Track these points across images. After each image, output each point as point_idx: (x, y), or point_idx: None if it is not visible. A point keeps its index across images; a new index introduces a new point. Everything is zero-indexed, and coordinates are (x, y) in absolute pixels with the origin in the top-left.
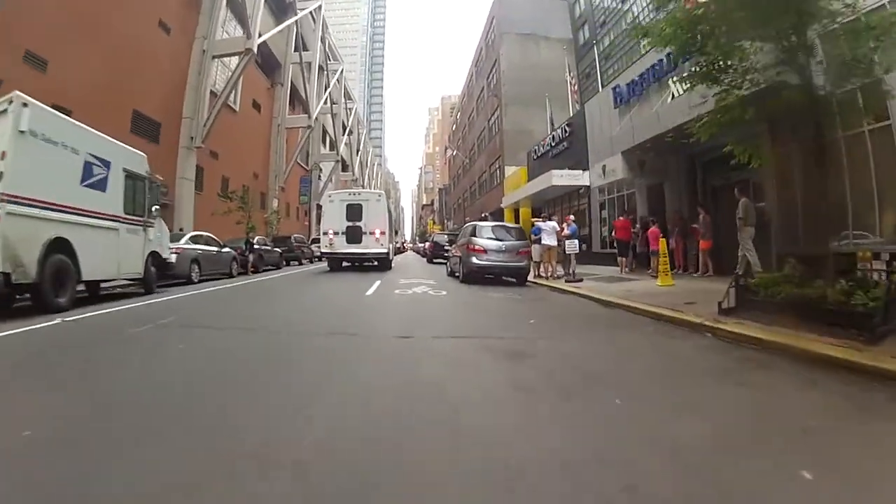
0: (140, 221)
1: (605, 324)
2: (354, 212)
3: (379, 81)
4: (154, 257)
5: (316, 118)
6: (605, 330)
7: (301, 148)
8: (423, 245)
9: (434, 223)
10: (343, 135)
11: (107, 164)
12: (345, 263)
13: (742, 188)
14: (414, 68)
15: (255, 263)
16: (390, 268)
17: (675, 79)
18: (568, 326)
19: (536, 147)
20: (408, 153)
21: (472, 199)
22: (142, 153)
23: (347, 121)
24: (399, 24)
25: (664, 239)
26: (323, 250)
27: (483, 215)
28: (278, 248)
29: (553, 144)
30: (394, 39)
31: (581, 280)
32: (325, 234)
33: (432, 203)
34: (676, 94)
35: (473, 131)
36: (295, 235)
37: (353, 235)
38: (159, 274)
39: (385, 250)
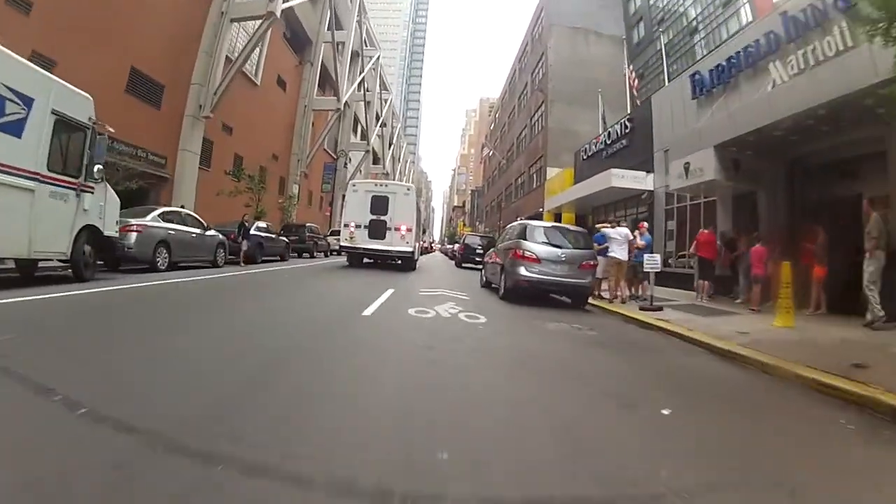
0: (72, 184)
1: (773, 409)
2: (380, 204)
3: (417, 78)
4: (92, 234)
5: (346, 103)
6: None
7: (328, 132)
8: (451, 247)
9: (464, 225)
10: (376, 125)
11: (27, 102)
12: (366, 260)
13: (874, 201)
14: (453, 70)
15: (251, 253)
16: (414, 268)
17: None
18: (732, 427)
19: (587, 146)
20: (442, 154)
21: (507, 201)
22: (87, 95)
23: (381, 112)
24: (441, 22)
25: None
26: (342, 244)
27: (518, 219)
28: (287, 236)
29: (608, 143)
30: (434, 38)
31: (660, 309)
32: (346, 226)
33: (464, 205)
34: (780, 81)
35: (513, 130)
36: (309, 224)
37: (377, 230)
38: (106, 256)
39: (410, 249)
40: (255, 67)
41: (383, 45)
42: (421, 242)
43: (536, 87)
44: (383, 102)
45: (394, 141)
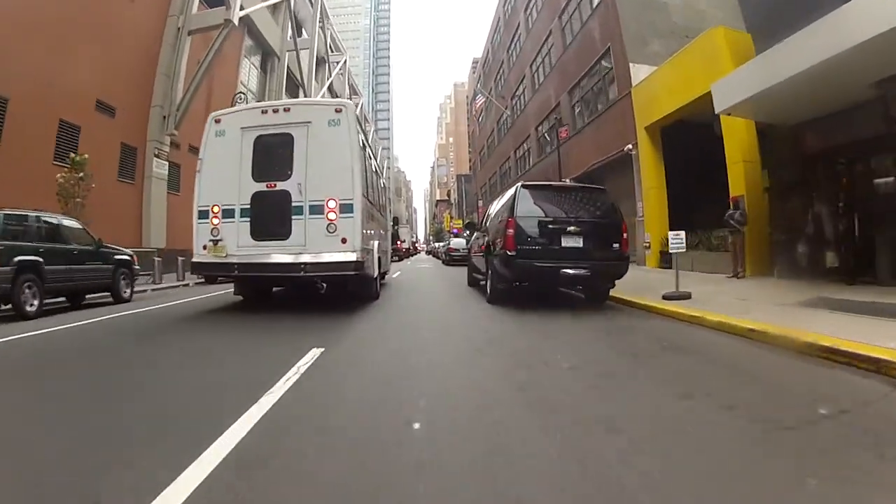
0: None
1: None
2: (274, 155)
3: (385, 77)
4: None
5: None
6: None
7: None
8: (438, 245)
9: (451, 217)
10: None
11: None
12: (276, 288)
13: None
14: (421, 64)
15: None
16: (375, 295)
17: None
18: None
19: None
20: (418, 153)
21: (523, 163)
22: None
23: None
24: (402, 17)
25: None
26: (196, 258)
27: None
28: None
29: None
30: (398, 33)
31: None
32: (204, 215)
33: (449, 196)
34: None
35: (522, 59)
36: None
37: (268, 218)
38: None
39: (353, 256)
40: None
41: (346, 45)
42: (383, 240)
43: None
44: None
45: (369, 143)
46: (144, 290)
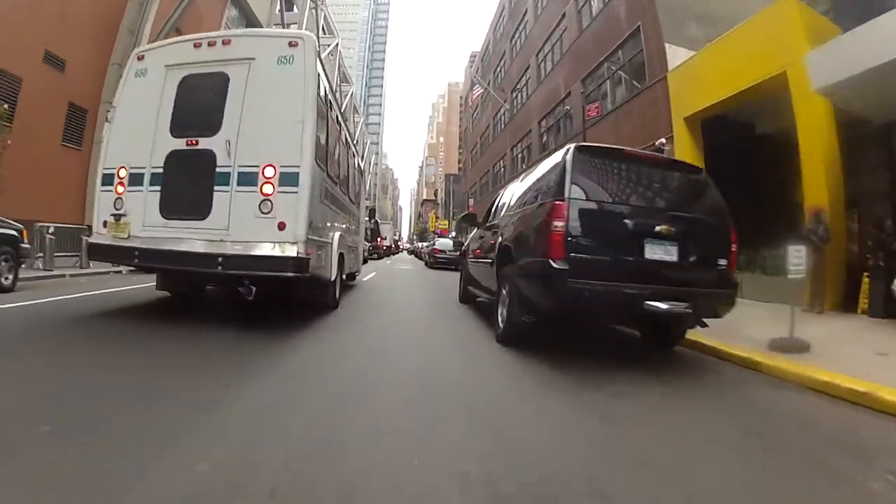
0: None
1: None
2: (200, 104)
3: (380, 70)
4: None
5: None
6: None
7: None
8: (422, 245)
9: (437, 217)
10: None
11: None
12: (208, 286)
13: None
14: (416, 64)
15: None
16: (334, 305)
17: None
18: None
19: None
20: (407, 152)
21: (520, 161)
22: None
23: (342, 104)
24: (402, 13)
25: None
26: (93, 238)
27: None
28: None
29: None
30: (396, 28)
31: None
32: (108, 180)
33: (436, 195)
34: None
35: (530, 43)
36: None
37: (184, 186)
38: None
39: (294, 246)
40: None
41: (343, 36)
42: (346, 233)
43: None
44: (343, 96)
45: (357, 136)
46: (62, 276)
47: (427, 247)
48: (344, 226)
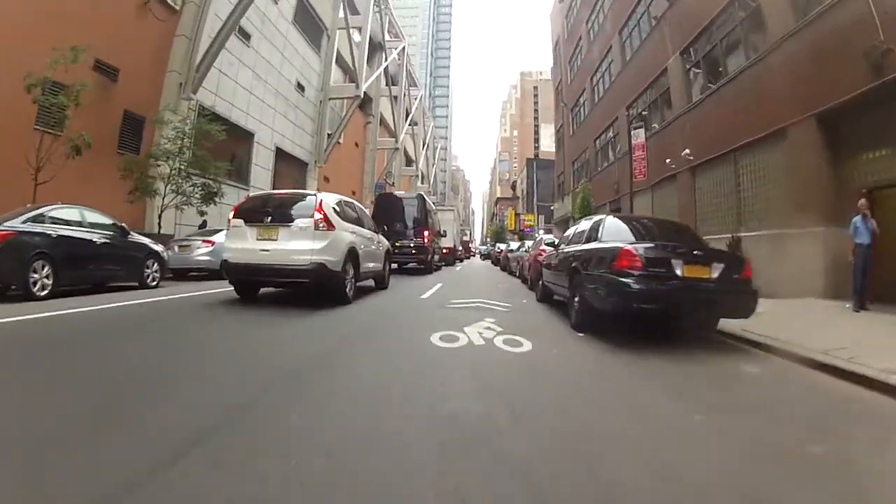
0: None
1: None
2: None
3: (445, 69)
4: None
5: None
6: None
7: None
8: (504, 248)
9: (517, 214)
10: (405, 123)
11: None
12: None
13: None
14: (483, 60)
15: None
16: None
17: None
18: None
19: None
20: (478, 156)
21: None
22: None
23: (411, 108)
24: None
25: None
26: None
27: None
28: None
29: None
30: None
31: None
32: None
33: (514, 188)
34: None
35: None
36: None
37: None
38: None
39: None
40: None
41: (401, 24)
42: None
43: None
44: (412, 99)
45: (428, 140)
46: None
47: (517, 250)
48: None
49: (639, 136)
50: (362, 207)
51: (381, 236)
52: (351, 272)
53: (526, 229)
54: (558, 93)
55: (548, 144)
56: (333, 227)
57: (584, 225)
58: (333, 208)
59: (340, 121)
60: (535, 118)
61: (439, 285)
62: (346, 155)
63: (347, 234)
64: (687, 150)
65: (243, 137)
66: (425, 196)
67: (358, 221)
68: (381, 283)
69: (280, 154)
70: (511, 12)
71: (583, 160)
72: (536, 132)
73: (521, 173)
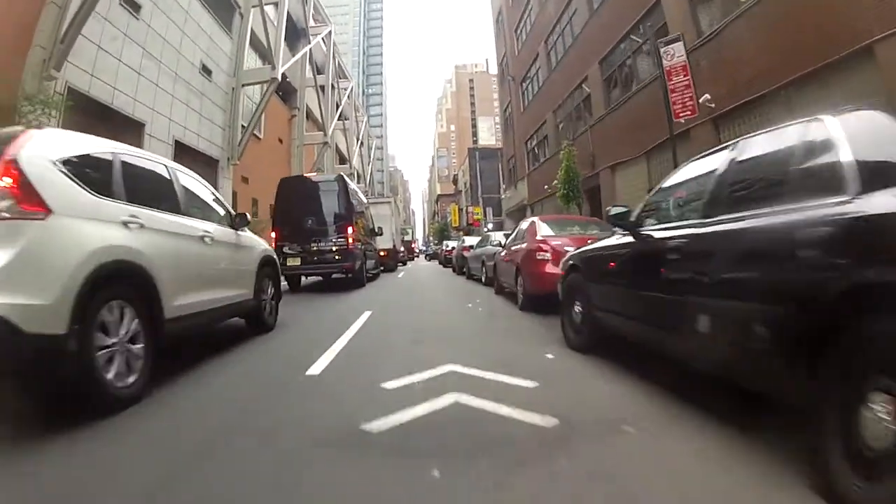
0: None
1: None
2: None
3: (378, 48)
4: None
5: (286, 79)
6: None
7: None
8: (451, 245)
9: (460, 210)
10: (334, 117)
11: None
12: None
13: None
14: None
15: None
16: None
17: None
18: None
19: None
20: (414, 156)
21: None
22: None
23: (340, 101)
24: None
25: None
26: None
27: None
28: None
29: None
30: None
31: None
32: None
33: (455, 183)
34: None
35: None
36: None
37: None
38: None
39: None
40: None
41: (332, 16)
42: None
43: None
44: (342, 91)
45: (362, 136)
46: None
47: (458, 246)
48: None
49: (674, 52)
50: (194, 175)
51: (250, 234)
52: (120, 332)
53: (475, 224)
54: (503, 67)
55: (486, 137)
56: (46, 209)
57: None
58: (55, 163)
59: (256, 107)
60: (472, 111)
61: (366, 315)
62: (269, 152)
63: (103, 227)
64: (707, 96)
65: (130, 128)
66: (346, 179)
67: (170, 201)
68: (257, 320)
69: (181, 149)
70: (441, 7)
71: (540, 136)
72: (474, 125)
73: (462, 166)
